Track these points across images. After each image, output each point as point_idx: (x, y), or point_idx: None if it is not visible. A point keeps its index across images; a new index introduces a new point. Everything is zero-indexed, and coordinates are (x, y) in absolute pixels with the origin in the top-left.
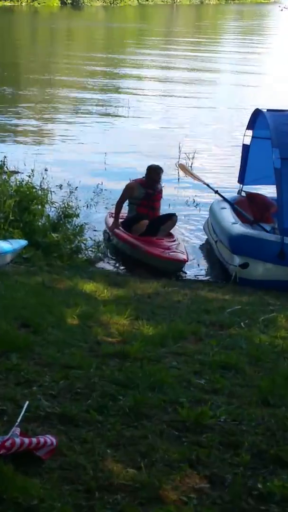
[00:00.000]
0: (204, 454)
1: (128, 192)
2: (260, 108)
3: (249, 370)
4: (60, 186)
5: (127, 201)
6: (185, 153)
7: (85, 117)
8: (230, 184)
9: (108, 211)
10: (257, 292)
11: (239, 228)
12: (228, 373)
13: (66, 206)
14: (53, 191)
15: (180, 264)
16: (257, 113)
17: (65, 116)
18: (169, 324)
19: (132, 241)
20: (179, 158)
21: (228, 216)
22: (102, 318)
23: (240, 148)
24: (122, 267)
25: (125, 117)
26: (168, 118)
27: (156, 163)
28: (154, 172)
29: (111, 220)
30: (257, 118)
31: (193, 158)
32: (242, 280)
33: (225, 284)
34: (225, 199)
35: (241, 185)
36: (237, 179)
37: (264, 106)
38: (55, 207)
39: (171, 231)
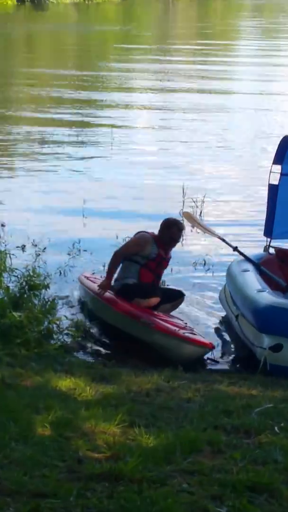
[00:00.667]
0: None
1: (139, 246)
2: None
3: (287, 492)
4: (23, 247)
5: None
6: (191, 198)
7: (56, 156)
8: (252, 239)
9: (83, 274)
10: None
11: (267, 297)
12: (258, 497)
13: (32, 274)
14: (13, 254)
15: (205, 349)
16: (286, 142)
17: (28, 157)
18: (176, 432)
19: (133, 312)
20: (183, 205)
21: (252, 282)
22: (84, 426)
23: (265, 190)
24: (110, 356)
25: (108, 154)
26: (167, 154)
27: (172, 217)
28: (175, 229)
29: (88, 284)
30: (287, 149)
31: (202, 204)
32: (274, 367)
33: (252, 374)
34: (247, 258)
35: (269, 239)
36: (262, 231)
37: None
38: (16, 276)
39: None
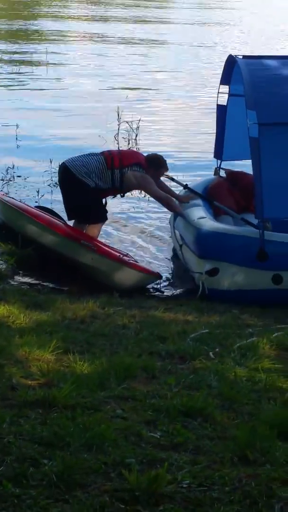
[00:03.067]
0: None
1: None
2: (234, 55)
3: (221, 416)
4: None
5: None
6: (127, 122)
7: None
8: (200, 162)
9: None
10: (231, 309)
11: (206, 223)
12: (192, 421)
13: None
14: None
15: (152, 278)
16: (231, 63)
17: None
18: (110, 358)
19: (74, 235)
20: (118, 129)
21: (194, 210)
22: (18, 353)
23: (213, 111)
24: (45, 282)
25: (42, 71)
26: (102, 70)
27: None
28: (165, 168)
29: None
30: (234, 68)
31: (137, 128)
32: (212, 291)
33: (188, 300)
34: (198, 195)
35: (219, 162)
36: (213, 154)
37: (239, 49)
38: None
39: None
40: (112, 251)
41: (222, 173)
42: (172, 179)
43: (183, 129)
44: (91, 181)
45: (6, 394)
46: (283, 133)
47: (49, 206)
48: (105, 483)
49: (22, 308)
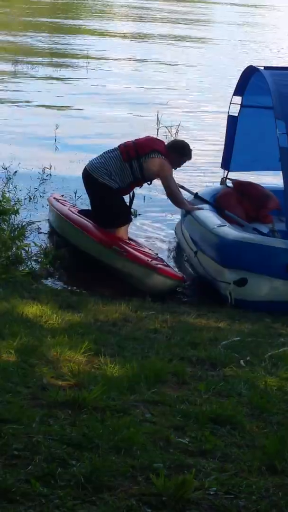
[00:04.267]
0: None
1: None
2: (255, 65)
3: (250, 425)
4: None
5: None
6: (166, 127)
7: (27, 72)
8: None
9: (51, 196)
10: (263, 318)
11: (230, 232)
12: (221, 429)
13: (1, 198)
14: None
15: (177, 282)
16: (250, 72)
17: None
18: (141, 362)
19: (105, 239)
20: (157, 133)
21: (211, 218)
22: (49, 353)
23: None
24: (78, 284)
25: (83, 74)
26: (142, 78)
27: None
28: (188, 157)
29: (61, 205)
30: (249, 80)
31: (176, 133)
32: (239, 301)
33: (220, 307)
34: (207, 202)
35: (226, 172)
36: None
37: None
38: None
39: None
40: (142, 255)
41: (229, 183)
42: (182, 187)
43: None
44: (113, 182)
45: (37, 393)
46: None
47: (86, 208)
48: (132, 486)
49: (55, 309)
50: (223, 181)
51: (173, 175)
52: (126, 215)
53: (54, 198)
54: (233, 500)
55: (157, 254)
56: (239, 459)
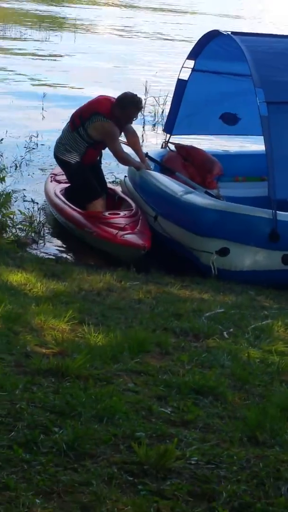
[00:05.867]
0: (167, 508)
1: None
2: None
3: (232, 396)
4: None
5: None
6: (154, 97)
7: (16, 39)
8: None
9: (50, 173)
10: (247, 291)
11: (203, 200)
12: (203, 399)
13: None
14: None
15: (139, 251)
16: (210, 37)
17: None
18: (125, 332)
19: (77, 217)
20: (144, 103)
21: (169, 182)
22: (34, 321)
23: None
24: (63, 252)
25: (71, 40)
26: (130, 45)
27: (129, 93)
28: (134, 106)
29: (52, 186)
30: (207, 44)
31: (164, 104)
32: (222, 272)
33: (204, 278)
34: (159, 164)
35: (168, 136)
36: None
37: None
38: None
39: (126, 197)
40: (110, 229)
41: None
42: (128, 145)
43: None
44: (72, 157)
45: (20, 361)
46: None
47: None
48: (114, 454)
49: (39, 277)
50: (163, 145)
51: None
52: (92, 191)
53: (52, 174)
54: (214, 470)
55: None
56: (220, 429)
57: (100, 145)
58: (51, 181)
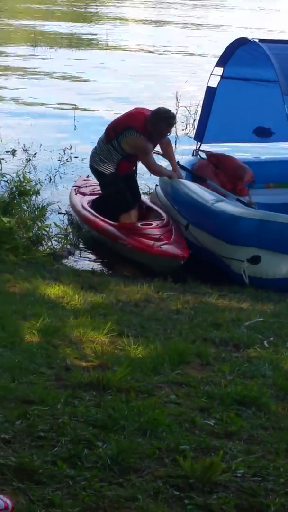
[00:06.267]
0: None
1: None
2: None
3: (275, 406)
4: (13, 152)
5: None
6: (185, 107)
7: (47, 56)
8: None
9: (73, 186)
10: (285, 299)
11: (233, 208)
12: (246, 410)
13: (22, 179)
14: (3, 159)
15: (177, 261)
16: (238, 44)
17: (20, 58)
18: (164, 343)
19: (109, 230)
20: (176, 112)
21: (201, 190)
22: (72, 334)
23: None
24: (99, 264)
25: (102, 54)
26: (161, 57)
27: (163, 108)
28: (165, 123)
29: (77, 199)
30: (235, 51)
31: (195, 113)
32: (254, 280)
33: (241, 287)
34: (190, 173)
35: (199, 144)
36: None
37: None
38: (6, 181)
39: (158, 208)
40: (145, 240)
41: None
42: (163, 155)
43: None
44: (107, 168)
45: (61, 374)
46: None
47: None
48: (159, 468)
49: (77, 289)
50: (194, 153)
51: None
52: (124, 202)
53: (75, 187)
54: (261, 483)
55: (163, 223)
56: (265, 441)
57: (134, 158)
58: (76, 194)
